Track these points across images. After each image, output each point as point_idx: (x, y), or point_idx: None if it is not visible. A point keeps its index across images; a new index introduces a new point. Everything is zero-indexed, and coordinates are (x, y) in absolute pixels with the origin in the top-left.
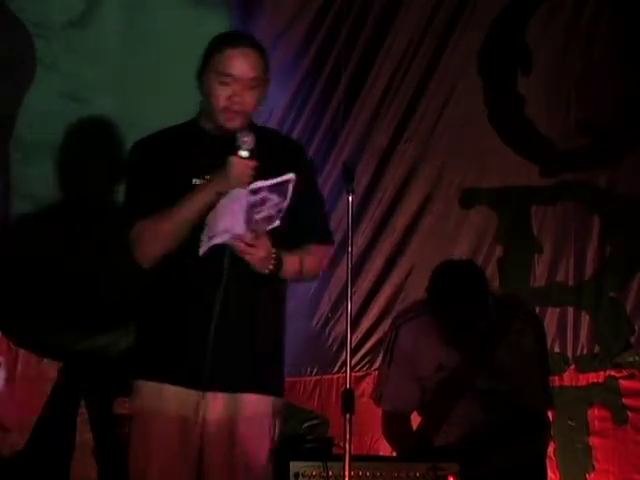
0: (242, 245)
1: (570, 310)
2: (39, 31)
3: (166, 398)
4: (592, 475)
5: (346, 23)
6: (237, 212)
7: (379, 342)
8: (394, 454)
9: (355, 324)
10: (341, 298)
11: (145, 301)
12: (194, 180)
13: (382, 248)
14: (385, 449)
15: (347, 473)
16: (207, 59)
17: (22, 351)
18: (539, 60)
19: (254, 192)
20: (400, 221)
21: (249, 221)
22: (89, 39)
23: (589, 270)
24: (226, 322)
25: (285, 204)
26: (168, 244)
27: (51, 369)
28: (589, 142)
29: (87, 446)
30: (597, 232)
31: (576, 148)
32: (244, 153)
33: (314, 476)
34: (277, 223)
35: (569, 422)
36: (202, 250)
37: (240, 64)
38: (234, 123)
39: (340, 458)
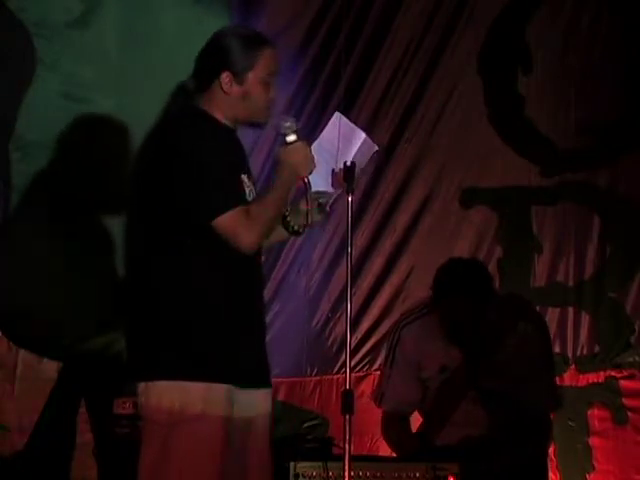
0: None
1: (570, 310)
2: (39, 31)
3: (220, 398)
4: (592, 475)
5: (346, 23)
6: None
7: (379, 342)
8: (394, 454)
9: (355, 324)
10: (341, 298)
11: (187, 298)
12: (242, 176)
13: (382, 248)
14: (385, 449)
15: (347, 473)
16: (245, 57)
17: (22, 351)
18: (539, 60)
19: None
20: (400, 221)
21: None
22: (89, 39)
23: (589, 270)
24: (262, 317)
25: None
26: (269, 232)
27: (51, 369)
28: (589, 142)
29: (87, 446)
30: (597, 232)
31: (576, 148)
32: (292, 137)
33: (314, 476)
34: None
35: (569, 422)
36: (329, 205)
37: (277, 63)
38: (269, 118)
39: (340, 458)
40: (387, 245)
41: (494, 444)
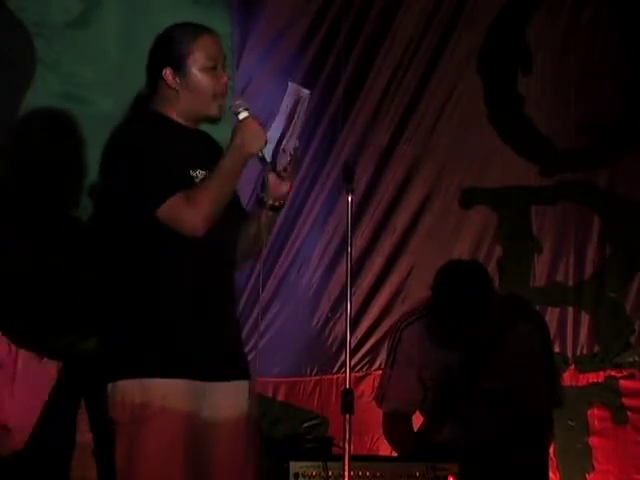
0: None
1: (570, 310)
2: (39, 31)
3: (180, 393)
4: (592, 475)
5: (346, 23)
6: (297, 120)
7: (379, 342)
8: (394, 454)
9: (355, 324)
10: (341, 298)
11: (148, 295)
12: (191, 171)
13: (382, 248)
14: (385, 449)
15: (347, 473)
16: (180, 48)
17: (22, 351)
18: (539, 60)
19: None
20: (400, 221)
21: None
22: (89, 39)
23: (589, 270)
24: (231, 307)
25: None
26: (225, 203)
27: (51, 369)
28: (589, 142)
29: (87, 446)
30: (597, 232)
31: (576, 148)
32: (244, 114)
33: (314, 476)
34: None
35: (569, 422)
36: (281, 165)
37: (217, 49)
38: (222, 110)
39: (340, 458)
40: (387, 245)
41: (495, 444)
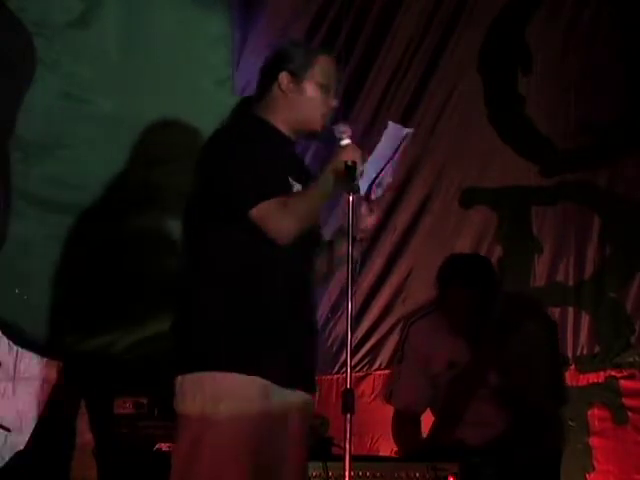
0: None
1: (570, 310)
2: (39, 31)
3: (253, 392)
4: (592, 475)
5: (346, 23)
6: (392, 156)
7: (379, 342)
8: (394, 454)
9: (355, 324)
10: (341, 298)
11: (234, 290)
12: (290, 180)
13: (382, 248)
14: (385, 449)
15: (347, 473)
16: (304, 59)
17: (22, 351)
18: (539, 60)
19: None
20: (400, 221)
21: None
22: (89, 39)
23: (589, 270)
24: (313, 319)
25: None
26: (314, 218)
27: (51, 369)
28: (589, 142)
29: (87, 446)
30: (597, 232)
31: (576, 148)
32: (347, 141)
33: (314, 476)
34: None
35: (569, 422)
36: (375, 195)
37: (336, 73)
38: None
39: (340, 458)
40: (387, 245)
41: (506, 443)
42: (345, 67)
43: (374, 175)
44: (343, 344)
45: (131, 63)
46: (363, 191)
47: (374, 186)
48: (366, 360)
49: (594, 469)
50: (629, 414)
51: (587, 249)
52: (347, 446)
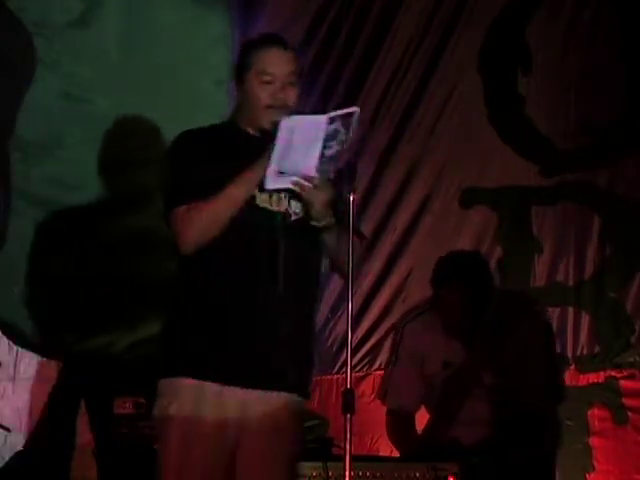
0: (308, 187)
1: (570, 310)
2: (39, 31)
3: (194, 395)
4: (592, 475)
5: (346, 23)
6: (311, 145)
7: (379, 342)
8: (394, 454)
9: (355, 324)
10: (341, 298)
11: (190, 294)
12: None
13: (382, 248)
14: (385, 449)
15: (347, 473)
16: (245, 58)
17: (22, 351)
18: (539, 60)
19: (331, 121)
20: (400, 221)
21: (320, 158)
22: (89, 39)
23: (589, 270)
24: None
25: (349, 139)
26: (219, 226)
27: (51, 369)
28: (589, 142)
29: (87, 446)
30: (597, 232)
31: (576, 148)
32: None
33: (314, 476)
34: (338, 166)
35: (569, 422)
36: (270, 186)
37: (275, 63)
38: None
39: (340, 458)
40: (387, 245)
41: (500, 442)
42: (345, 67)
43: (287, 167)
44: (343, 344)
45: (131, 63)
46: (268, 185)
47: (315, 167)
48: (366, 360)
49: (594, 469)
50: (629, 414)
51: (587, 249)
52: (347, 446)
